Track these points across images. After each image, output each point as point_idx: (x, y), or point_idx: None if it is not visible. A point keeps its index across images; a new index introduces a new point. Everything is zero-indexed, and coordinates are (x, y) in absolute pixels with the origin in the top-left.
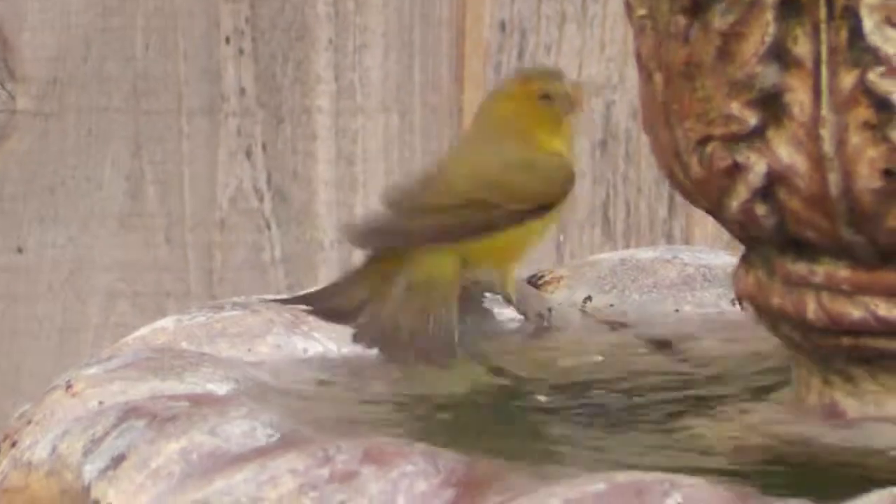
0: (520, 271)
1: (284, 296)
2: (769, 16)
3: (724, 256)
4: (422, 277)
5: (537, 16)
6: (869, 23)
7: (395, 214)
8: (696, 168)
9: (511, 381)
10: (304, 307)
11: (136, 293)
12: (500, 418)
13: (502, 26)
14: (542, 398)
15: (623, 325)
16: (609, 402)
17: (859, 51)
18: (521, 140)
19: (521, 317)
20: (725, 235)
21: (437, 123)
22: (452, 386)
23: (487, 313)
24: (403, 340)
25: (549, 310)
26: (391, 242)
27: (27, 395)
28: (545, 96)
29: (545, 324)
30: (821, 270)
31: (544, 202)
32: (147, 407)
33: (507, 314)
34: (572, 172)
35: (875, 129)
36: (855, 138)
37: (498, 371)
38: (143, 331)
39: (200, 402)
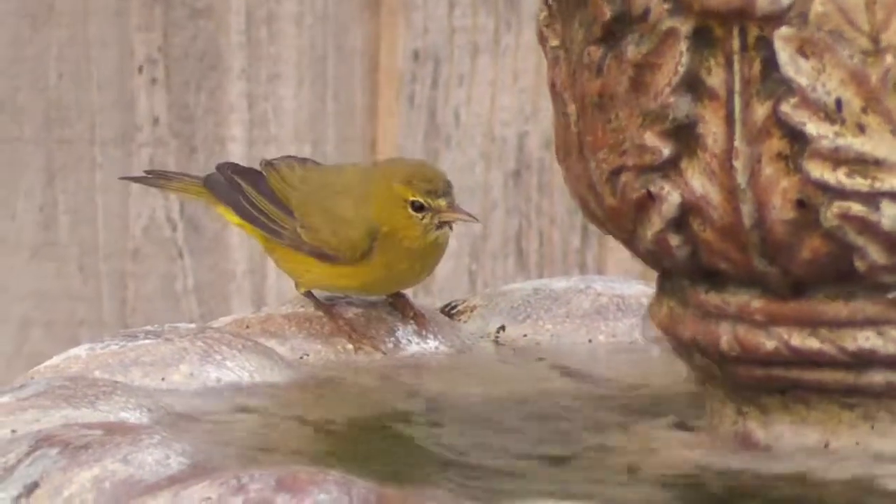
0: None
1: (196, 325)
2: (682, 46)
3: (637, 286)
4: None
5: (450, 46)
6: (783, 54)
7: None
8: (609, 198)
9: (422, 407)
10: None
11: (49, 322)
12: (411, 443)
13: (416, 56)
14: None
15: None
16: (522, 429)
17: (773, 82)
18: (364, 205)
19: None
20: (639, 265)
21: (351, 153)
22: (363, 410)
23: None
24: None
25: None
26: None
27: None
28: (418, 207)
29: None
30: (734, 301)
31: (324, 251)
32: (60, 435)
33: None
34: (361, 252)
35: (788, 160)
36: (768, 169)
37: (411, 395)
38: (56, 359)
39: (113, 430)
